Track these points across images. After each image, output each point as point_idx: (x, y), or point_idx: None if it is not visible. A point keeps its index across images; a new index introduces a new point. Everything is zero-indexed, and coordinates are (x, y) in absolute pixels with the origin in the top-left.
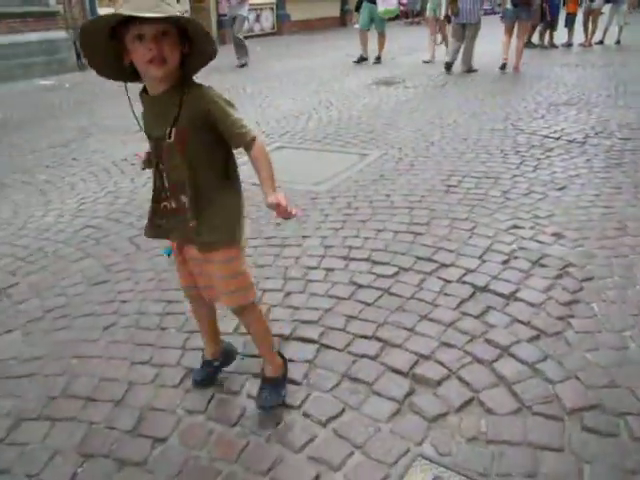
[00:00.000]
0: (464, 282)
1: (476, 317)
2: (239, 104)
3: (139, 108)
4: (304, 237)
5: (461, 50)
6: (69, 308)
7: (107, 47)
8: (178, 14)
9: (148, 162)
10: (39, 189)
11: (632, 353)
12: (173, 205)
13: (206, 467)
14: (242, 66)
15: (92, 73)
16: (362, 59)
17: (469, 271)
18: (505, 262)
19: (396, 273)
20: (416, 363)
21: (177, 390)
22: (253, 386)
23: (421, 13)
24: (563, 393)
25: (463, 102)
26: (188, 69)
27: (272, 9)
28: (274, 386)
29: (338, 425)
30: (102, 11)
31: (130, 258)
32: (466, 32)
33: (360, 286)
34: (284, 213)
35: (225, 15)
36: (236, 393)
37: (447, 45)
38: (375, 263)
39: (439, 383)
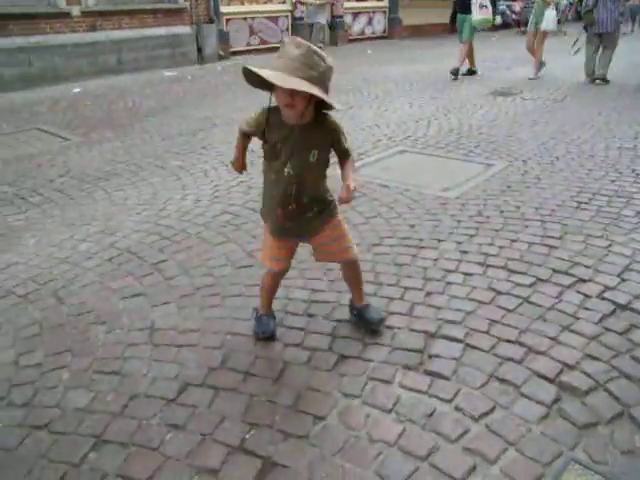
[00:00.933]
0: (604, 298)
1: (620, 334)
2: (357, 106)
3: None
4: (439, 241)
5: (597, 60)
6: (218, 287)
7: (261, 79)
8: (303, 89)
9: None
10: (174, 174)
11: None
12: (295, 207)
13: (366, 447)
14: None
15: (211, 66)
16: (471, 72)
17: (608, 288)
18: None
19: (534, 283)
20: (561, 371)
21: (331, 374)
22: (405, 377)
23: None
24: None
25: (586, 118)
26: (321, 106)
27: (384, 12)
28: (373, 307)
29: (490, 421)
30: (224, 9)
31: None
32: (603, 42)
33: (499, 292)
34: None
35: (340, 17)
36: (388, 382)
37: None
38: (512, 272)
39: (587, 393)
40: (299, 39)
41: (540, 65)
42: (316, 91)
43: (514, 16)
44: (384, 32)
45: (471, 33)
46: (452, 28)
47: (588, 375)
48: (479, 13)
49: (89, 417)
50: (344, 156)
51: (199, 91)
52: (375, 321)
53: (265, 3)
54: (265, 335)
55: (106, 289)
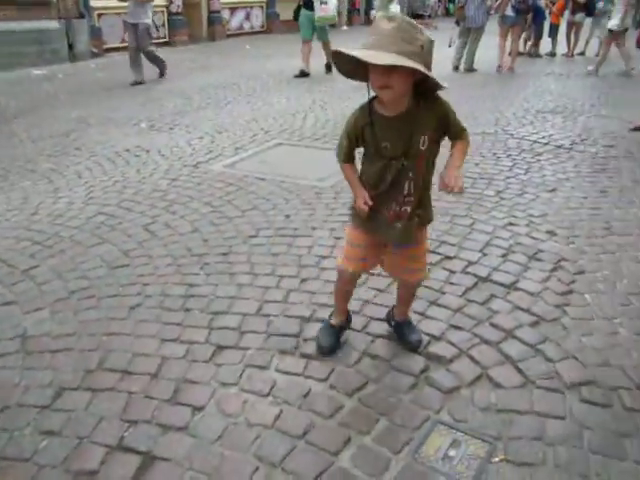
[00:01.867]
0: (467, 272)
1: (481, 304)
2: (235, 101)
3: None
4: (313, 228)
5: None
6: (93, 289)
7: (353, 63)
8: (401, 63)
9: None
10: (45, 177)
11: (622, 338)
12: (409, 209)
13: (244, 432)
14: (137, 84)
15: (84, 64)
16: (303, 74)
17: (471, 263)
18: (504, 255)
19: None
20: (429, 343)
21: (209, 365)
22: (281, 361)
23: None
24: (563, 370)
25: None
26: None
27: (262, 7)
28: (413, 327)
29: (362, 396)
30: (95, 3)
31: (146, 245)
32: (471, 36)
33: (370, 274)
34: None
35: (217, 12)
36: (265, 367)
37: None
38: None
39: (451, 360)
40: (392, 13)
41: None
42: (416, 65)
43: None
44: (262, 27)
45: (310, 32)
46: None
47: (452, 344)
48: (320, 10)
49: None
50: (458, 136)
51: (71, 90)
52: (413, 344)
53: None
54: (322, 351)
55: None
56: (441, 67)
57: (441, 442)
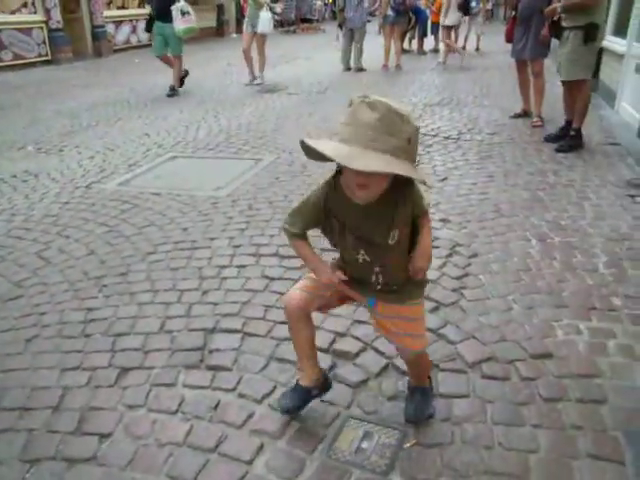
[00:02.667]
0: None
1: None
2: (126, 117)
3: None
4: (212, 239)
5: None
6: None
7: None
8: (388, 170)
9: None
10: None
11: (515, 313)
12: (383, 290)
13: (155, 453)
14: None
15: None
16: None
17: None
18: None
19: (304, 265)
20: (334, 340)
21: (114, 389)
22: (187, 376)
23: (296, 22)
24: (464, 351)
25: (343, 106)
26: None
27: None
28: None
29: (272, 400)
30: None
31: (40, 272)
32: (355, 36)
33: (272, 279)
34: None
35: (102, 27)
36: (171, 384)
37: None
38: (282, 257)
39: (357, 355)
40: (374, 97)
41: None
42: (404, 169)
43: (276, 17)
44: (150, 40)
45: (163, 46)
46: (218, 32)
47: (357, 338)
48: (181, 23)
49: None
50: (420, 215)
51: None
52: (412, 418)
53: (13, 13)
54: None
55: None
56: (332, 67)
57: (353, 436)
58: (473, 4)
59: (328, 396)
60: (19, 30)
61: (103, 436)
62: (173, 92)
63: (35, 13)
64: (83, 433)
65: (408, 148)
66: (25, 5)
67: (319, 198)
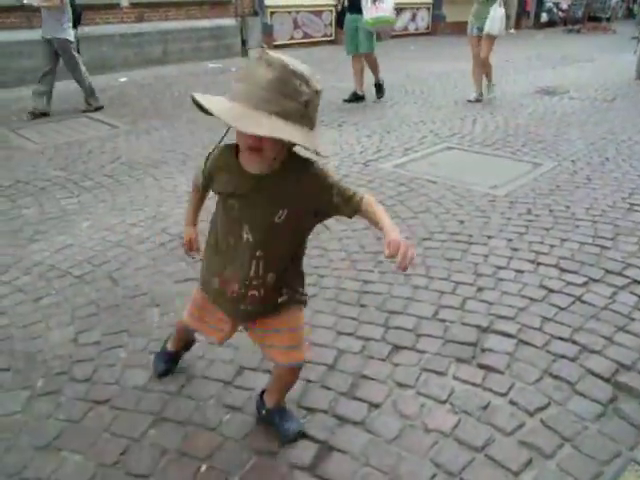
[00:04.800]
0: None
1: None
2: (402, 102)
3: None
4: (489, 237)
5: None
6: None
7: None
8: (275, 135)
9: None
10: None
11: None
12: (262, 293)
13: (421, 436)
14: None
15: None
16: (356, 97)
17: None
18: None
19: (586, 282)
20: (617, 371)
21: (385, 363)
22: (458, 369)
23: (582, 20)
24: None
25: (638, 119)
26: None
27: (428, 9)
28: (289, 413)
29: (545, 416)
30: (269, 2)
31: (320, 237)
32: None
33: (551, 290)
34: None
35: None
36: (442, 373)
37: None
38: (563, 270)
39: None
40: (273, 54)
41: (490, 86)
42: (295, 135)
43: (561, 14)
44: (427, 29)
45: (356, 44)
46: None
47: None
48: (371, 11)
49: (147, 396)
50: (357, 205)
51: None
52: (290, 435)
53: None
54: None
55: (159, 273)
56: (621, 74)
57: None
58: None
59: (609, 431)
60: (312, 12)
61: (372, 405)
62: (379, 90)
63: None
64: (354, 397)
65: (305, 112)
66: None
67: (217, 158)
